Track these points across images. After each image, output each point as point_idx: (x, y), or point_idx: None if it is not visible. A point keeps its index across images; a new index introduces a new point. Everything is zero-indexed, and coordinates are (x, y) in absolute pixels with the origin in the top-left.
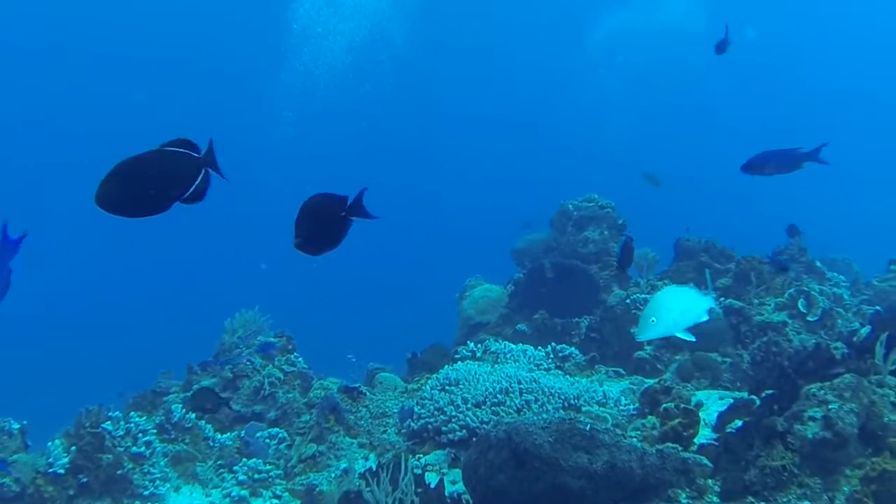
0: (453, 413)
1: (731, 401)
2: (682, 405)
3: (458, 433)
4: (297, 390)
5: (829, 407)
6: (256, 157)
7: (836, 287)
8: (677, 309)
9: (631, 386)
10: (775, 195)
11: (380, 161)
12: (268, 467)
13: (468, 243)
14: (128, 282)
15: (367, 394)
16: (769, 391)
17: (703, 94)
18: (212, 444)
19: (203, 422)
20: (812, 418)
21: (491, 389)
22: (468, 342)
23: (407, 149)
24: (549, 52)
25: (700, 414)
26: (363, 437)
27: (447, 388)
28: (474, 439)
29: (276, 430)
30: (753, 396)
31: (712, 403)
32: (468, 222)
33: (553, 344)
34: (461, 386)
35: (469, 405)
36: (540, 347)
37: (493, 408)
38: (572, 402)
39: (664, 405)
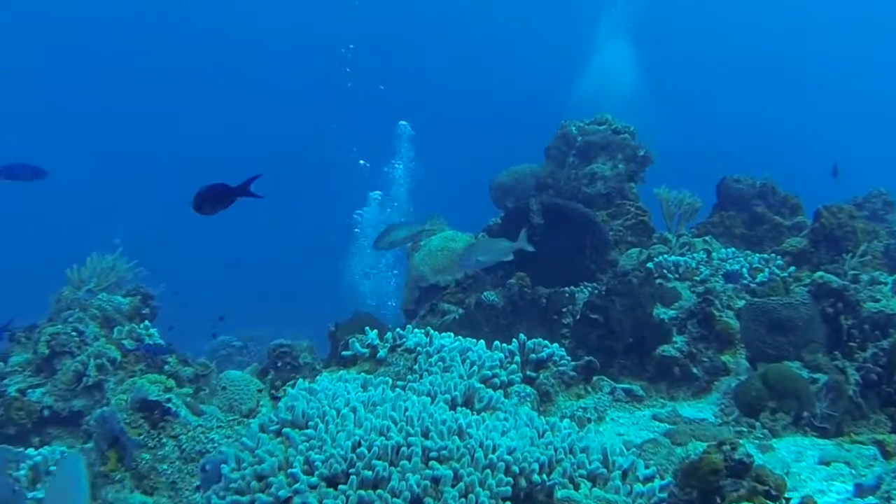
0: (282, 492)
1: (846, 472)
2: None
3: None
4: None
5: None
6: None
7: None
8: None
9: (654, 423)
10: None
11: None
12: None
13: (441, 175)
14: None
15: (183, 414)
16: None
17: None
18: None
19: None
20: None
21: (366, 446)
22: (369, 330)
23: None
24: None
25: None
26: (162, 495)
27: (286, 429)
28: None
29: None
30: None
31: (804, 470)
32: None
33: (522, 337)
34: (312, 431)
35: (316, 477)
36: (499, 344)
37: (363, 492)
38: (535, 478)
39: None
